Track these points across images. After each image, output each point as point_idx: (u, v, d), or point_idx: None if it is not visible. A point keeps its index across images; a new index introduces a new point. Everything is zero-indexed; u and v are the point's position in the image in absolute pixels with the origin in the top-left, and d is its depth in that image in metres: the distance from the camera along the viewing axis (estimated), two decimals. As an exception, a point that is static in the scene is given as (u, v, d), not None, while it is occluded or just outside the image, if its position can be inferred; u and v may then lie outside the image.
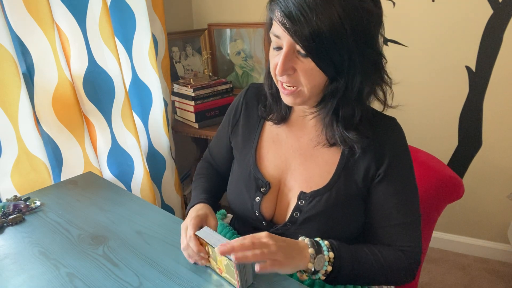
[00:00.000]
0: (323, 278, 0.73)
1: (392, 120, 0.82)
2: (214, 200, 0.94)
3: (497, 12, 1.49)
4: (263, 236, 0.68)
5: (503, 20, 1.50)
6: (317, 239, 0.75)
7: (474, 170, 1.75)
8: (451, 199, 1.01)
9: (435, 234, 1.90)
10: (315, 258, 0.70)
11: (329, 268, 0.71)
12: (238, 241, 0.65)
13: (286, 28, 0.66)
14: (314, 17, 0.62)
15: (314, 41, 0.64)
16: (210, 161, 1.06)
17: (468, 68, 1.61)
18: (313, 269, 0.70)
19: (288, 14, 0.64)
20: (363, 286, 0.82)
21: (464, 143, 1.73)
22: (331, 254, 0.72)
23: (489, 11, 1.51)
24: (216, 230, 0.79)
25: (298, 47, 0.68)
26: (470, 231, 1.87)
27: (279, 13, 0.66)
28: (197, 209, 0.84)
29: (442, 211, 1.03)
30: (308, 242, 0.72)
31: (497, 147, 1.67)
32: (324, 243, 0.73)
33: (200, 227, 0.78)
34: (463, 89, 1.65)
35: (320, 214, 0.79)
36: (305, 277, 0.72)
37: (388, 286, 0.90)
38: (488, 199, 1.76)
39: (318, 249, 0.71)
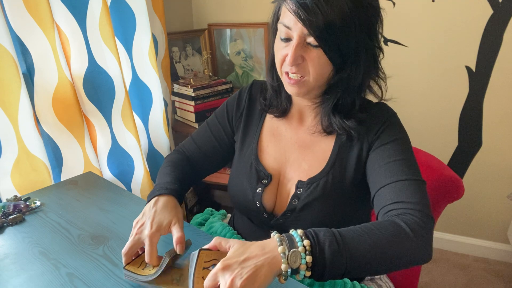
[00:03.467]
0: (308, 274, 0.59)
1: (383, 105, 0.82)
2: (183, 191, 0.87)
3: (497, 12, 1.49)
4: (217, 268, 0.57)
5: (503, 20, 1.50)
6: (291, 231, 0.62)
7: (474, 170, 1.75)
8: (451, 199, 1.01)
9: (435, 234, 1.90)
10: (287, 256, 0.57)
11: (309, 259, 0.58)
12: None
13: (301, 19, 0.67)
14: (329, 9, 0.64)
15: (327, 32, 0.66)
16: (187, 152, 0.98)
17: (468, 68, 1.61)
18: (289, 270, 0.58)
19: (303, 4, 0.66)
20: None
21: (464, 143, 1.73)
22: (306, 242, 0.58)
23: (489, 11, 1.50)
24: (182, 227, 0.74)
25: (309, 39, 0.69)
26: (470, 231, 1.87)
27: (293, 4, 0.67)
28: (161, 210, 0.76)
29: (442, 211, 1.03)
30: (277, 240, 0.59)
31: (497, 147, 1.67)
32: (297, 233, 0.60)
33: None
34: (463, 89, 1.65)
35: (318, 199, 0.79)
36: (282, 280, 0.59)
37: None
38: (488, 199, 1.76)
39: (290, 244, 0.59)
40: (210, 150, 0.98)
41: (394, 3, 1.65)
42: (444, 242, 1.92)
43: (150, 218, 0.74)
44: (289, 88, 0.77)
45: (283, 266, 0.57)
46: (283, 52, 0.73)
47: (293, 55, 0.70)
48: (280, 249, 0.58)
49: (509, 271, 1.77)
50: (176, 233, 0.73)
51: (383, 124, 0.79)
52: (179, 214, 0.78)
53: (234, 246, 0.60)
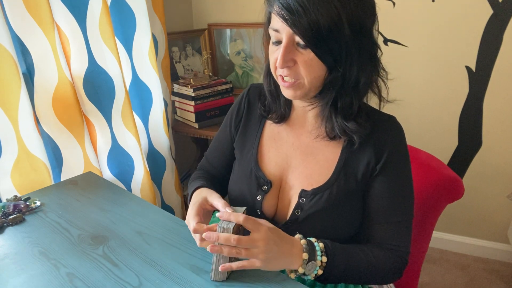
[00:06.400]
0: (312, 278, 0.73)
1: (392, 118, 0.82)
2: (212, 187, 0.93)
3: (497, 12, 1.49)
4: (261, 231, 0.69)
5: (503, 20, 1.50)
6: (313, 240, 0.75)
7: (474, 170, 1.75)
8: (451, 199, 1.01)
9: (435, 234, 1.90)
10: (307, 264, 0.71)
11: (320, 272, 0.72)
12: (227, 235, 0.67)
13: (285, 20, 0.67)
14: (312, 7, 0.64)
15: (312, 31, 0.66)
16: (206, 169, 1.04)
17: (468, 68, 1.61)
18: (302, 273, 0.71)
19: (287, 6, 0.66)
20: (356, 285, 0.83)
21: (464, 143, 1.73)
22: (324, 259, 0.72)
23: (489, 11, 1.51)
24: (220, 200, 0.80)
25: (297, 39, 0.69)
26: (470, 231, 1.87)
27: (277, 6, 0.68)
28: (193, 198, 0.83)
29: (442, 211, 1.03)
30: (304, 246, 0.72)
31: (497, 147, 1.67)
32: (319, 246, 0.73)
33: (204, 211, 0.79)
34: (463, 89, 1.65)
35: (321, 211, 0.79)
36: (292, 276, 0.73)
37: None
38: (488, 199, 1.76)
39: (312, 254, 0.71)
40: (223, 165, 0.99)
41: (394, 3, 1.65)
42: (444, 242, 1.92)
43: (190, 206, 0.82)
44: (285, 91, 0.77)
45: (300, 269, 0.71)
46: (275, 55, 0.73)
47: (282, 57, 0.70)
48: (303, 255, 0.71)
49: (509, 271, 1.77)
50: (217, 202, 0.78)
51: (393, 139, 0.79)
52: (210, 191, 0.83)
53: (271, 228, 0.71)
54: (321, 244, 0.73)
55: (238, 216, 0.69)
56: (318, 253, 0.72)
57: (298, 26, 0.66)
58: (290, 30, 0.68)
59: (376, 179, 0.79)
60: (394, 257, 0.79)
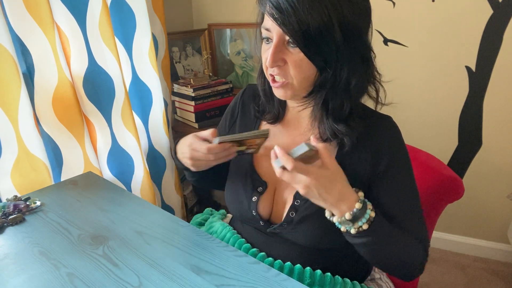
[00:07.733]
0: (353, 232, 0.71)
1: (388, 118, 0.82)
2: None
3: (497, 12, 1.49)
4: (326, 164, 0.68)
5: (503, 20, 1.50)
6: (368, 203, 0.73)
7: (474, 170, 1.75)
8: (451, 199, 1.01)
9: (435, 234, 1.90)
10: (356, 212, 0.69)
11: (365, 226, 0.70)
12: (288, 158, 0.66)
13: (275, 19, 0.68)
14: (301, 7, 0.65)
15: (301, 30, 0.66)
16: None
17: (468, 68, 1.61)
18: (346, 219, 0.69)
19: (277, 5, 0.67)
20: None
21: (464, 143, 1.73)
22: (372, 214, 0.70)
23: (489, 11, 1.51)
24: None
25: (287, 38, 0.69)
26: (470, 231, 1.87)
27: (268, 6, 0.69)
28: (180, 145, 0.88)
29: (442, 211, 1.03)
30: (361, 198, 0.71)
31: (497, 147, 1.67)
32: (368, 206, 0.72)
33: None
34: (463, 89, 1.65)
35: (316, 213, 0.78)
36: (335, 220, 0.71)
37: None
38: (488, 199, 1.76)
39: (364, 207, 0.70)
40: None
41: (394, 3, 1.65)
42: (444, 242, 1.92)
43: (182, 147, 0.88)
44: (276, 91, 0.77)
45: (347, 215, 0.69)
46: (266, 54, 0.73)
47: (272, 56, 0.70)
48: (357, 205, 0.69)
49: (509, 271, 1.77)
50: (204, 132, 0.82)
51: (391, 142, 0.78)
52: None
53: (335, 167, 0.70)
54: (369, 205, 0.72)
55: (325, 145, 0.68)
56: (370, 206, 0.71)
57: (287, 25, 0.66)
58: (280, 30, 0.68)
59: (382, 183, 0.78)
60: (421, 248, 0.78)
